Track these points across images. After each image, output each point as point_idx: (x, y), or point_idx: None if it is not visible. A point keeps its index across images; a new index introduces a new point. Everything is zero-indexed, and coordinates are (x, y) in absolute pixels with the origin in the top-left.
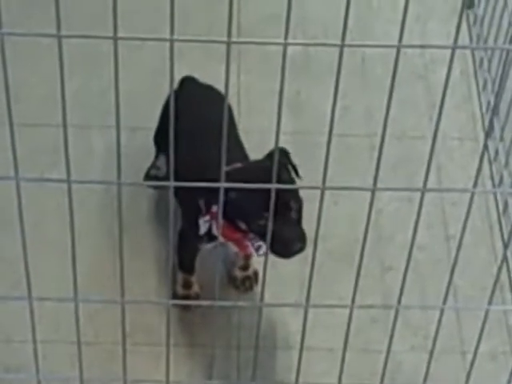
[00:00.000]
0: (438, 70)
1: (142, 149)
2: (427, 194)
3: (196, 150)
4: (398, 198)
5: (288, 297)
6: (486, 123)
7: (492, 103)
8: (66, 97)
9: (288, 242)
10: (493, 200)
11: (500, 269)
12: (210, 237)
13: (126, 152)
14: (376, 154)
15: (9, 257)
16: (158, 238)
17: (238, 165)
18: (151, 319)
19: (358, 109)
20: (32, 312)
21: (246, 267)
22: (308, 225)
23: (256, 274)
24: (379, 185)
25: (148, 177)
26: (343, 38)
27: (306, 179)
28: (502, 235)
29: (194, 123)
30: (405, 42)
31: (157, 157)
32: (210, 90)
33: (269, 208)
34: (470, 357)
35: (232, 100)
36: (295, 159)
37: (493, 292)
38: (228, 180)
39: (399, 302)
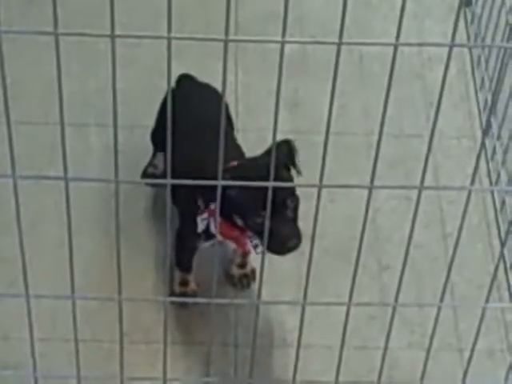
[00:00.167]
0: (436, 68)
1: (139, 147)
2: (424, 192)
3: (193, 149)
4: (396, 196)
5: (285, 294)
6: (484, 121)
7: (489, 101)
8: (63, 95)
9: (283, 240)
10: (490, 198)
11: (497, 267)
12: (207, 235)
13: (124, 150)
14: (373, 153)
15: (6, 254)
16: (156, 236)
17: (235, 163)
18: (148, 317)
19: (356, 107)
20: (29, 310)
21: (243, 265)
22: (305, 223)
23: (253, 271)
24: (376, 183)
25: (145, 175)
26: (341, 36)
27: (304, 177)
28: (499, 233)
29: (191, 122)
30: (402, 40)
31: (154, 155)
32: (207, 88)
33: (265, 206)
34: (467, 354)
35: (229, 98)
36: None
37: (490, 290)
38: (226, 176)
39: (396, 299)
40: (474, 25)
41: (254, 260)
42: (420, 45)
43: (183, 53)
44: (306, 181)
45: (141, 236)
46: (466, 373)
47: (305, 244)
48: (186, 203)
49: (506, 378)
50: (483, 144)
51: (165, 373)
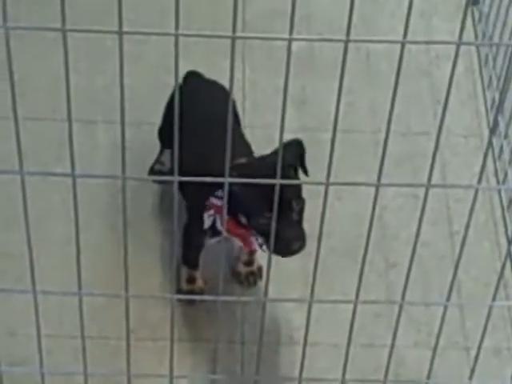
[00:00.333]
0: (443, 66)
1: (146, 144)
2: (431, 190)
3: (200, 146)
4: (403, 194)
5: (292, 292)
6: (491, 120)
7: (497, 100)
8: (70, 91)
9: (287, 242)
10: (497, 196)
11: (504, 265)
12: (213, 231)
13: (131, 147)
14: (380, 150)
15: (13, 251)
16: (163, 233)
17: (243, 160)
18: (155, 314)
19: (363, 105)
20: (36, 306)
21: (250, 262)
22: (312, 221)
23: (260, 269)
24: (384, 181)
25: (152, 172)
26: (348, 34)
27: (311, 175)
28: (506, 231)
29: (197, 118)
30: (409, 38)
31: (161, 152)
32: (214, 85)
33: (271, 207)
34: (473, 352)
35: (237, 95)
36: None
37: (496, 288)
38: (233, 174)
39: (403, 297)
40: (482, 23)
41: (261, 258)
42: (427, 43)
43: (190, 50)
44: (313, 179)
45: (148, 233)
46: (472, 371)
47: (312, 242)
48: (193, 199)
49: None
50: (490, 142)
51: (171, 370)
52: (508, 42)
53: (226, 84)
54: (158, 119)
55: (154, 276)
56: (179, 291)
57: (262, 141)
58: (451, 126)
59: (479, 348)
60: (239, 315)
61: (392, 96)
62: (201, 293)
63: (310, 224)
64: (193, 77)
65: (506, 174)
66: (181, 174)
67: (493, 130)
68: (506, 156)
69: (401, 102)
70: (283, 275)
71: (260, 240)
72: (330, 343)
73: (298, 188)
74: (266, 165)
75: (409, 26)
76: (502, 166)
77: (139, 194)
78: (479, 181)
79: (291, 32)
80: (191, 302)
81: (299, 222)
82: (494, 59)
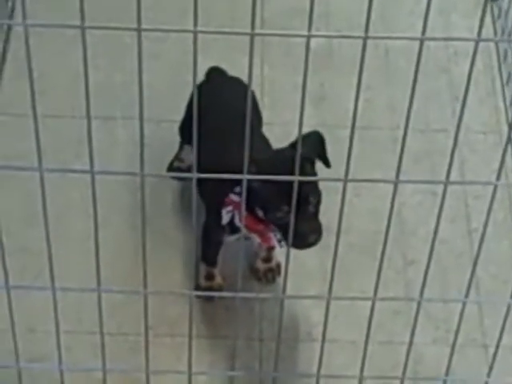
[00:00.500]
0: (462, 62)
1: (165, 140)
2: (450, 187)
3: (220, 142)
4: (421, 190)
5: (310, 289)
6: (510, 116)
7: None
8: (89, 88)
9: (304, 235)
10: None
11: None
12: (232, 228)
13: (150, 144)
14: (399, 147)
15: (32, 247)
16: (182, 229)
17: (260, 155)
18: (174, 311)
19: (381, 101)
20: (55, 302)
21: (268, 259)
22: (330, 217)
23: (278, 265)
24: (402, 177)
25: (171, 169)
26: (366, 31)
27: (329, 171)
28: None
29: (219, 115)
30: (428, 34)
31: (181, 148)
32: (236, 81)
33: (288, 201)
34: (492, 350)
35: (256, 92)
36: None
37: None
38: (251, 169)
39: (421, 294)
40: (501, 19)
41: (280, 254)
42: (446, 39)
43: (209, 47)
44: (331, 175)
45: (167, 229)
46: (490, 368)
47: (330, 238)
48: (212, 196)
49: None
50: (509, 139)
51: (190, 366)
52: None
53: (245, 81)
54: (177, 116)
55: (172, 273)
56: (198, 288)
57: (281, 138)
58: (470, 123)
59: (497, 345)
60: (257, 312)
61: (410, 93)
62: (219, 289)
63: (328, 220)
64: (215, 73)
65: None
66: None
67: None
68: None
69: (419, 98)
70: (301, 272)
71: (278, 236)
72: (348, 340)
73: (315, 182)
74: (283, 159)
75: (427, 22)
76: None
77: (158, 191)
78: (498, 177)
79: (310, 29)
80: (210, 299)
81: (315, 214)
82: None
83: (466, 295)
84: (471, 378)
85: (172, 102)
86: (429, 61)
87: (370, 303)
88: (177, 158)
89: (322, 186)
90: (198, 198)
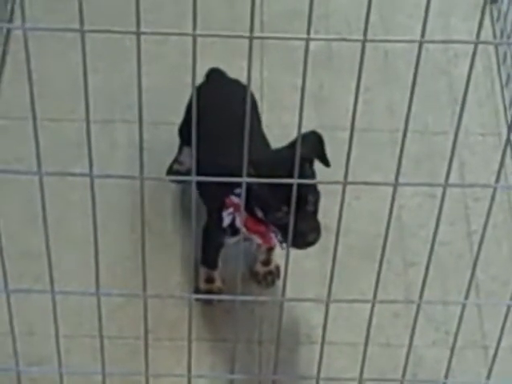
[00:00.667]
0: (461, 64)
1: (164, 143)
2: (449, 189)
3: (219, 144)
4: (421, 193)
5: (310, 291)
6: (509, 118)
7: None
8: (89, 91)
9: (302, 234)
10: None
11: None
12: (233, 229)
13: (149, 147)
14: (398, 149)
15: (32, 250)
16: (181, 232)
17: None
18: (173, 314)
19: (381, 104)
20: (54, 306)
21: (267, 262)
22: (330, 220)
23: (278, 268)
24: (401, 180)
25: (171, 171)
26: (365, 34)
27: (328, 174)
28: None
29: (219, 116)
30: (427, 37)
31: (180, 151)
32: (236, 83)
33: (287, 201)
34: (491, 352)
35: (255, 95)
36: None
37: None
38: (250, 171)
39: (421, 297)
40: (500, 22)
41: (279, 257)
42: (445, 42)
43: (208, 50)
44: (331, 177)
45: (166, 233)
46: (490, 370)
47: (329, 241)
48: (212, 198)
49: None
50: (508, 141)
51: (189, 369)
52: None
53: (245, 83)
54: (176, 119)
55: (172, 276)
56: (197, 291)
57: (280, 139)
58: (469, 125)
59: (497, 347)
60: (257, 315)
61: (410, 95)
62: (219, 293)
63: (327, 222)
64: (215, 74)
65: None
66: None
67: (511, 128)
68: None
69: (418, 100)
70: (301, 274)
71: (279, 236)
72: (347, 342)
73: None
74: (281, 160)
75: (426, 25)
76: None
77: (158, 194)
78: (497, 180)
79: (309, 32)
80: (209, 302)
81: (314, 213)
82: None
83: (466, 297)
84: (471, 380)
85: (171, 104)
86: (428, 63)
87: (369, 305)
88: (176, 160)
89: (321, 188)
90: (199, 200)
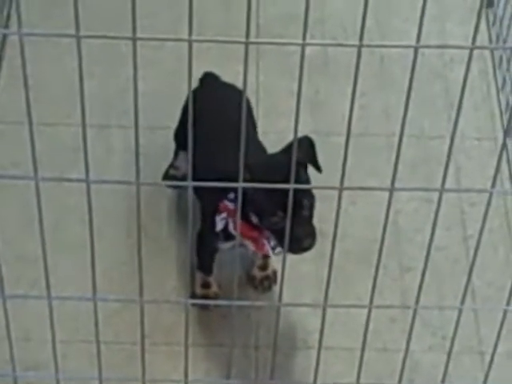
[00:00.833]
0: (457, 69)
1: (160, 148)
2: (446, 194)
3: (214, 149)
4: (417, 198)
5: (306, 296)
6: (505, 123)
7: (511, 102)
8: (85, 97)
9: (298, 239)
10: (511, 200)
11: None
12: (226, 235)
13: (145, 152)
14: (394, 154)
15: (28, 255)
16: (177, 237)
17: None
18: (170, 319)
19: (377, 108)
20: (51, 311)
21: (264, 267)
22: (326, 225)
23: (275, 273)
24: (397, 185)
25: (167, 176)
26: (361, 39)
27: (325, 179)
28: None
29: (213, 121)
30: (423, 41)
31: (175, 156)
32: (230, 87)
33: (282, 206)
34: (488, 357)
35: (250, 100)
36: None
37: (511, 292)
38: (246, 176)
39: (417, 302)
40: (496, 26)
41: (276, 262)
42: (440, 47)
43: (204, 55)
44: (327, 182)
45: (162, 237)
46: (487, 376)
47: (326, 246)
48: (207, 201)
49: None
50: (504, 145)
51: (186, 375)
52: None
53: (240, 87)
54: (172, 124)
55: (168, 281)
56: (194, 296)
57: (276, 145)
58: (465, 130)
59: (494, 352)
60: (254, 320)
61: (406, 99)
62: (215, 298)
63: (324, 227)
64: (209, 78)
65: None
66: (195, 177)
67: (507, 132)
68: None
69: (414, 105)
70: (298, 279)
71: (272, 243)
72: (344, 347)
73: None
74: (276, 164)
75: (422, 30)
76: None
77: (154, 199)
78: (493, 185)
79: (304, 37)
80: (206, 307)
81: (309, 218)
82: (508, 61)
83: (462, 302)
84: None
85: (167, 109)
86: (424, 67)
87: (366, 311)
88: (172, 166)
89: (317, 193)
90: (195, 205)
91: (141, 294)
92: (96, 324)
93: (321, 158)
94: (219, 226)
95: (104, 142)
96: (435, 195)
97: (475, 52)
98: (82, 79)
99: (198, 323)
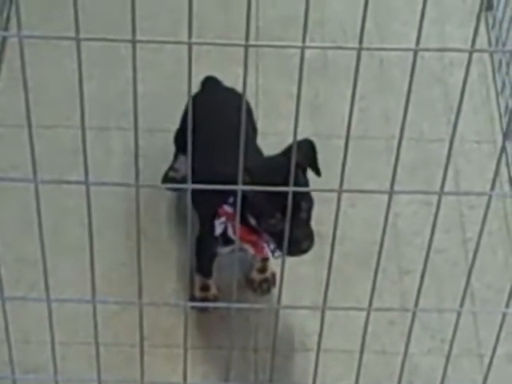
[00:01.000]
0: (456, 72)
1: (160, 151)
2: (445, 197)
3: (214, 153)
4: (416, 201)
5: (305, 298)
6: (504, 126)
7: (510, 106)
8: (84, 99)
9: (296, 242)
10: (510, 203)
11: None
12: (225, 239)
13: (145, 154)
14: (394, 157)
15: (27, 258)
16: (176, 240)
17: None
18: (169, 321)
19: (376, 111)
20: (50, 313)
21: (263, 269)
22: (325, 227)
23: (274, 276)
24: (397, 188)
25: (166, 179)
26: (361, 42)
27: (324, 181)
28: None
29: (215, 125)
30: (422, 44)
31: (175, 159)
32: (231, 91)
33: (281, 208)
34: (487, 360)
35: (250, 102)
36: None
37: (510, 295)
38: (245, 178)
39: (416, 304)
40: (495, 29)
41: (274, 265)
42: (439, 50)
43: (204, 57)
44: (326, 184)
45: (162, 240)
46: (486, 378)
47: (325, 248)
48: (205, 206)
49: None
50: (504, 148)
51: (185, 377)
52: None
53: (240, 91)
54: (171, 126)
55: (167, 283)
56: (193, 298)
57: (275, 147)
58: (464, 133)
59: (493, 355)
60: (252, 322)
61: (405, 102)
62: (214, 300)
63: (323, 230)
64: (210, 82)
65: None
66: (194, 181)
67: (506, 135)
68: None
69: (414, 108)
70: (296, 282)
71: (272, 246)
72: (343, 350)
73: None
74: (275, 167)
75: (421, 33)
76: None
77: (153, 201)
78: (492, 187)
79: (304, 40)
80: (205, 310)
81: (307, 221)
82: (508, 65)
83: (461, 305)
84: None
85: (167, 112)
86: (423, 70)
87: (365, 313)
88: (171, 168)
89: (316, 195)
90: (192, 208)
91: (140, 296)
92: (95, 326)
93: (320, 161)
94: (218, 231)
95: (103, 144)
96: (434, 198)
97: (475, 55)
98: (81, 81)
99: (197, 326)
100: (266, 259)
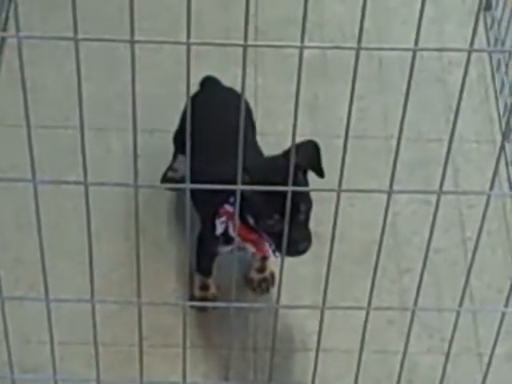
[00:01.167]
0: (455, 72)
1: (159, 151)
2: (444, 196)
3: (213, 153)
4: (415, 200)
5: (305, 298)
6: (503, 125)
7: (509, 105)
8: (83, 99)
9: (294, 243)
10: (510, 202)
11: None
12: (226, 238)
13: (144, 154)
14: (393, 157)
15: (26, 258)
16: (176, 239)
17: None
18: (168, 321)
19: (375, 111)
20: (49, 313)
21: (262, 269)
22: (324, 227)
23: (273, 275)
24: (396, 187)
25: (165, 179)
26: (359, 41)
27: (323, 181)
28: None
29: (214, 125)
30: (421, 44)
31: (174, 159)
32: (230, 91)
33: (279, 209)
34: (486, 359)
35: (249, 103)
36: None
37: (509, 294)
38: (244, 178)
39: (415, 303)
40: (494, 29)
41: (273, 264)
42: (438, 50)
43: (203, 57)
44: (325, 184)
45: (161, 240)
46: (485, 377)
47: (324, 248)
48: (206, 206)
49: None
50: (503, 148)
51: (184, 377)
52: None
53: (239, 91)
54: (170, 126)
55: (166, 283)
56: (192, 298)
57: (275, 147)
58: (463, 132)
59: (492, 354)
60: (252, 322)
61: (404, 102)
62: (214, 300)
63: (322, 229)
64: (209, 82)
65: None
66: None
67: (505, 135)
68: None
69: (413, 108)
70: (296, 281)
71: (273, 245)
72: (342, 349)
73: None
74: (275, 167)
75: (420, 32)
76: None
77: (152, 201)
78: (491, 187)
79: (303, 40)
80: (204, 309)
81: (306, 222)
82: (507, 64)
83: (460, 304)
84: None
85: (166, 112)
86: (422, 70)
87: (364, 312)
88: (171, 168)
89: (315, 195)
90: (192, 208)
91: (139, 295)
92: (94, 326)
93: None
94: (219, 230)
95: (102, 144)
96: (433, 197)
97: (473, 55)
98: (80, 82)
99: (196, 325)
100: (265, 258)
